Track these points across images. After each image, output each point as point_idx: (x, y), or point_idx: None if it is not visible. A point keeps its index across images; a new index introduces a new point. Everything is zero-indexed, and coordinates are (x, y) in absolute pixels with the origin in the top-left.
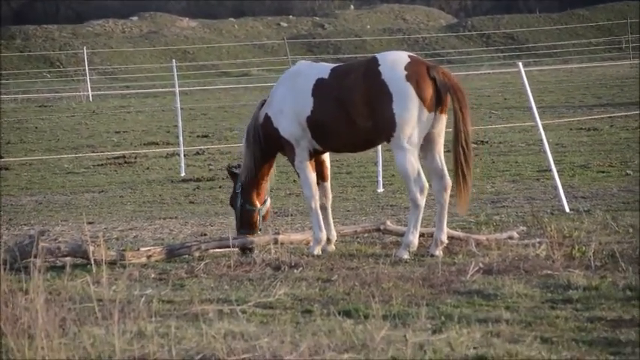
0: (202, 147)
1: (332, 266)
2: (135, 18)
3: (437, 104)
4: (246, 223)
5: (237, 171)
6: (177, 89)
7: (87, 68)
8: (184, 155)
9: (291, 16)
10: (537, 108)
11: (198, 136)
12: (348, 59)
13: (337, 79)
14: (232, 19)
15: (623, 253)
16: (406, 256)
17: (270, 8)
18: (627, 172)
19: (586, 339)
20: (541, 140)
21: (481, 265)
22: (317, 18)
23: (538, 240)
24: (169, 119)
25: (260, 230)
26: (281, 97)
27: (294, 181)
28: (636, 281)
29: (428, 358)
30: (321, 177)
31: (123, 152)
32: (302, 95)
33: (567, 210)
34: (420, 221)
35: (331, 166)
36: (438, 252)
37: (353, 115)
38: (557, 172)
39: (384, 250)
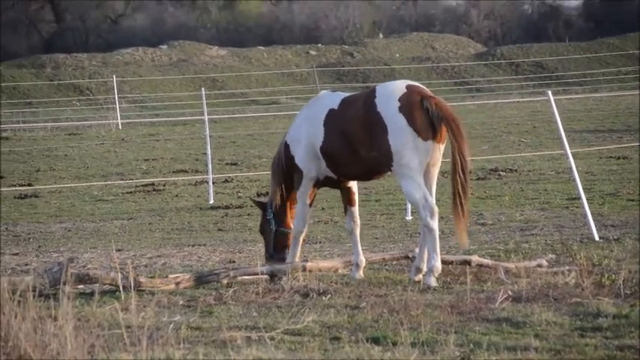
0: (231, 174)
1: (360, 293)
2: (164, 46)
3: (432, 133)
4: (281, 246)
5: (261, 199)
6: (206, 117)
7: (116, 96)
8: (213, 183)
9: (320, 45)
10: (567, 136)
11: (227, 164)
12: None
13: (343, 109)
14: (261, 47)
15: None
16: (434, 283)
17: (300, 37)
18: None
19: None
20: (570, 168)
21: (510, 292)
22: (346, 46)
23: (567, 268)
24: (198, 147)
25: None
26: (298, 125)
27: (323, 208)
28: None
29: None
30: (348, 202)
31: (152, 180)
32: (316, 125)
33: (597, 238)
34: (437, 244)
35: (359, 193)
36: (433, 282)
37: (356, 145)
38: (587, 200)
39: None
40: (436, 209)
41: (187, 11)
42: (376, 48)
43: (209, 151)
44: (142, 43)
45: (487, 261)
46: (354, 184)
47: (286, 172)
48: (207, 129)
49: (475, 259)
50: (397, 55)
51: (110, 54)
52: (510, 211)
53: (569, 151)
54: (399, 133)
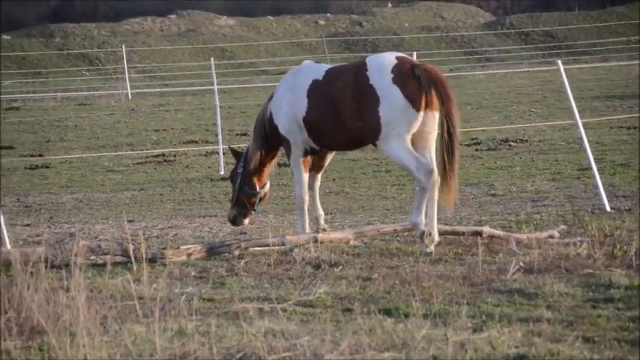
0: (242, 145)
1: (372, 265)
2: (173, 16)
3: (426, 102)
4: (242, 203)
5: (240, 149)
6: (215, 87)
7: (126, 66)
8: (223, 154)
9: (328, 14)
10: (577, 106)
11: (237, 134)
12: None
13: (329, 80)
14: (270, 17)
15: None
16: (426, 243)
17: (308, 6)
18: None
19: (628, 338)
20: (581, 138)
21: (522, 264)
22: (355, 16)
23: (579, 239)
24: (208, 117)
25: (255, 211)
26: (281, 95)
27: (334, 179)
28: None
29: (469, 358)
30: (316, 169)
31: (162, 150)
32: (298, 95)
33: (608, 209)
34: (424, 202)
35: (370, 164)
36: (431, 248)
37: (342, 116)
38: (598, 170)
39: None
40: (432, 168)
41: None
42: (385, 17)
43: (219, 122)
44: (151, 12)
45: (499, 232)
46: (329, 157)
47: (269, 138)
48: (217, 99)
49: (486, 230)
50: (406, 24)
51: (119, 23)
52: (521, 182)
53: (579, 121)
54: (393, 105)
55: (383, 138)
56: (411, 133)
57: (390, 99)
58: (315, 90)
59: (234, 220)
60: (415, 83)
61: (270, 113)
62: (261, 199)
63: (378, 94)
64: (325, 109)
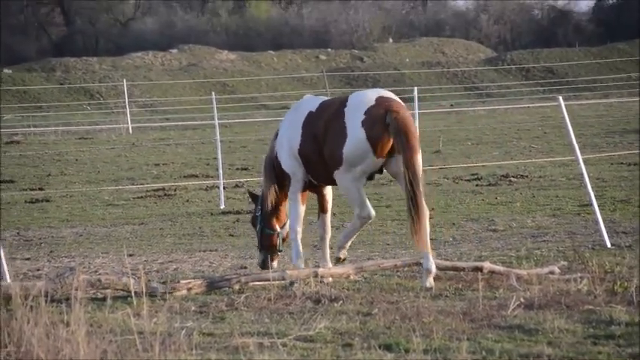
0: (242, 179)
1: (372, 300)
2: (174, 50)
3: (391, 149)
4: (266, 245)
5: (257, 193)
6: (216, 122)
7: (127, 100)
8: (224, 188)
9: (329, 49)
10: (577, 142)
11: (237, 169)
12: None
13: (319, 113)
14: (271, 51)
15: None
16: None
17: (309, 41)
18: None
19: None
20: (581, 174)
21: (522, 299)
22: (356, 51)
23: (579, 275)
24: (209, 152)
25: (281, 251)
26: (283, 131)
27: (334, 214)
28: None
29: None
30: (321, 209)
31: (163, 184)
32: (295, 129)
33: (609, 245)
34: (352, 237)
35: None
36: (429, 282)
37: (320, 147)
38: (598, 206)
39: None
40: (371, 216)
41: (197, 15)
42: (386, 52)
43: (220, 156)
44: (152, 47)
45: (499, 267)
46: (328, 192)
47: (278, 175)
48: (218, 133)
49: (487, 265)
50: (407, 59)
51: (120, 58)
52: (522, 218)
53: (580, 157)
54: (355, 145)
55: (341, 171)
56: (364, 174)
57: (355, 140)
58: (309, 122)
59: (263, 264)
60: (382, 129)
61: (275, 149)
62: (283, 239)
63: (347, 132)
64: (312, 140)
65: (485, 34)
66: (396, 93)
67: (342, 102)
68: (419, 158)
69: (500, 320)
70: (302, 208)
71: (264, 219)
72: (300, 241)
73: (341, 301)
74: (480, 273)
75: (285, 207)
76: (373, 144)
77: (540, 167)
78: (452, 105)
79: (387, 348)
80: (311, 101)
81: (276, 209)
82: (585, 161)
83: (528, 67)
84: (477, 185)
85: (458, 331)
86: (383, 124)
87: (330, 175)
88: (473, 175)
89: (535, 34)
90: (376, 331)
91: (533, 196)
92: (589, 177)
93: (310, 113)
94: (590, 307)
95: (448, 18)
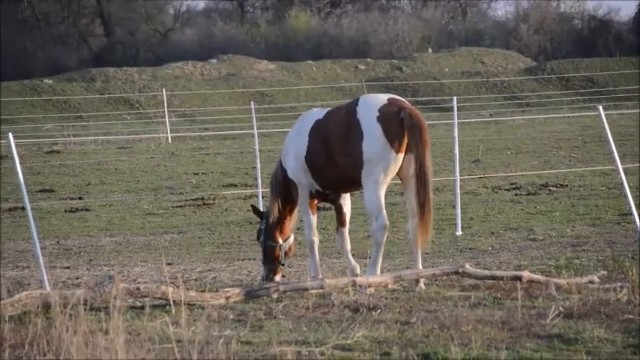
0: None
1: (410, 309)
2: (214, 60)
3: (406, 146)
4: (269, 258)
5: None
6: (255, 131)
7: (166, 110)
8: (262, 197)
9: (369, 59)
10: (617, 151)
11: None
12: (427, 102)
13: (328, 118)
14: (310, 61)
15: None
16: (368, 290)
17: (349, 51)
18: None
19: None
20: (622, 184)
21: (561, 309)
22: (395, 61)
23: (619, 284)
24: (248, 161)
25: (283, 265)
26: (288, 140)
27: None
28: None
29: None
30: (340, 222)
31: (201, 194)
32: (302, 137)
33: None
34: (380, 259)
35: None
36: (419, 287)
37: (333, 151)
38: (638, 215)
39: (463, 292)
40: (386, 225)
41: (236, 25)
42: (425, 62)
43: (258, 165)
44: (191, 57)
45: (538, 277)
46: (345, 205)
47: (283, 186)
48: (257, 143)
49: (526, 274)
50: (446, 69)
51: (160, 68)
52: (561, 227)
53: (620, 167)
54: (374, 142)
55: (364, 175)
56: (388, 177)
57: (372, 136)
58: (316, 129)
59: (266, 278)
60: (397, 125)
61: (280, 161)
62: (286, 253)
63: (362, 129)
64: (320, 146)
65: (525, 44)
66: (435, 102)
67: (353, 103)
68: (429, 154)
69: (540, 329)
70: (314, 218)
71: (268, 232)
72: (317, 251)
73: (379, 310)
74: (519, 282)
75: (290, 222)
76: (390, 139)
77: (580, 176)
78: (491, 114)
79: (426, 357)
80: (318, 112)
81: (279, 222)
82: (625, 170)
83: (568, 76)
84: (516, 194)
85: (496, 340)
86: (398, 119)
87: (338, 181)
88: (512, 184)
89: (575, 43)
90: (414, 340)
91: (572, 205)
92: (629, 186)
93: (318, 121)
94: (630, 316)
95: (487, 28)
